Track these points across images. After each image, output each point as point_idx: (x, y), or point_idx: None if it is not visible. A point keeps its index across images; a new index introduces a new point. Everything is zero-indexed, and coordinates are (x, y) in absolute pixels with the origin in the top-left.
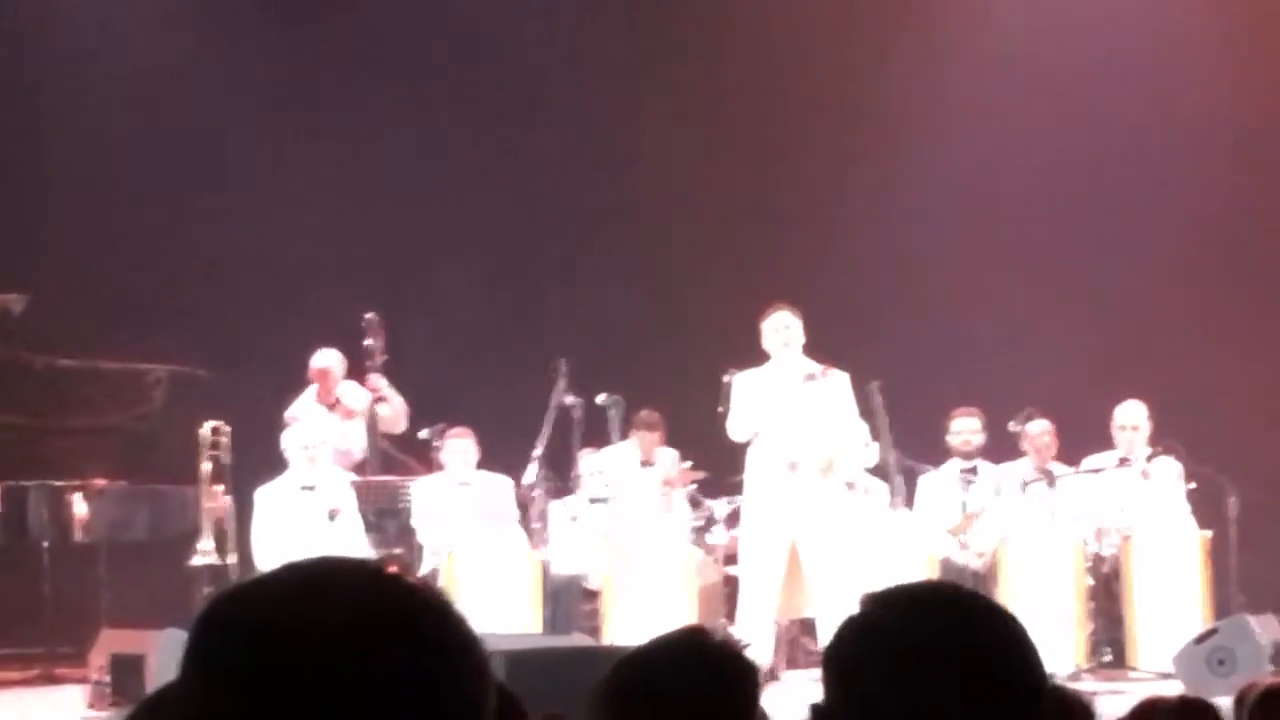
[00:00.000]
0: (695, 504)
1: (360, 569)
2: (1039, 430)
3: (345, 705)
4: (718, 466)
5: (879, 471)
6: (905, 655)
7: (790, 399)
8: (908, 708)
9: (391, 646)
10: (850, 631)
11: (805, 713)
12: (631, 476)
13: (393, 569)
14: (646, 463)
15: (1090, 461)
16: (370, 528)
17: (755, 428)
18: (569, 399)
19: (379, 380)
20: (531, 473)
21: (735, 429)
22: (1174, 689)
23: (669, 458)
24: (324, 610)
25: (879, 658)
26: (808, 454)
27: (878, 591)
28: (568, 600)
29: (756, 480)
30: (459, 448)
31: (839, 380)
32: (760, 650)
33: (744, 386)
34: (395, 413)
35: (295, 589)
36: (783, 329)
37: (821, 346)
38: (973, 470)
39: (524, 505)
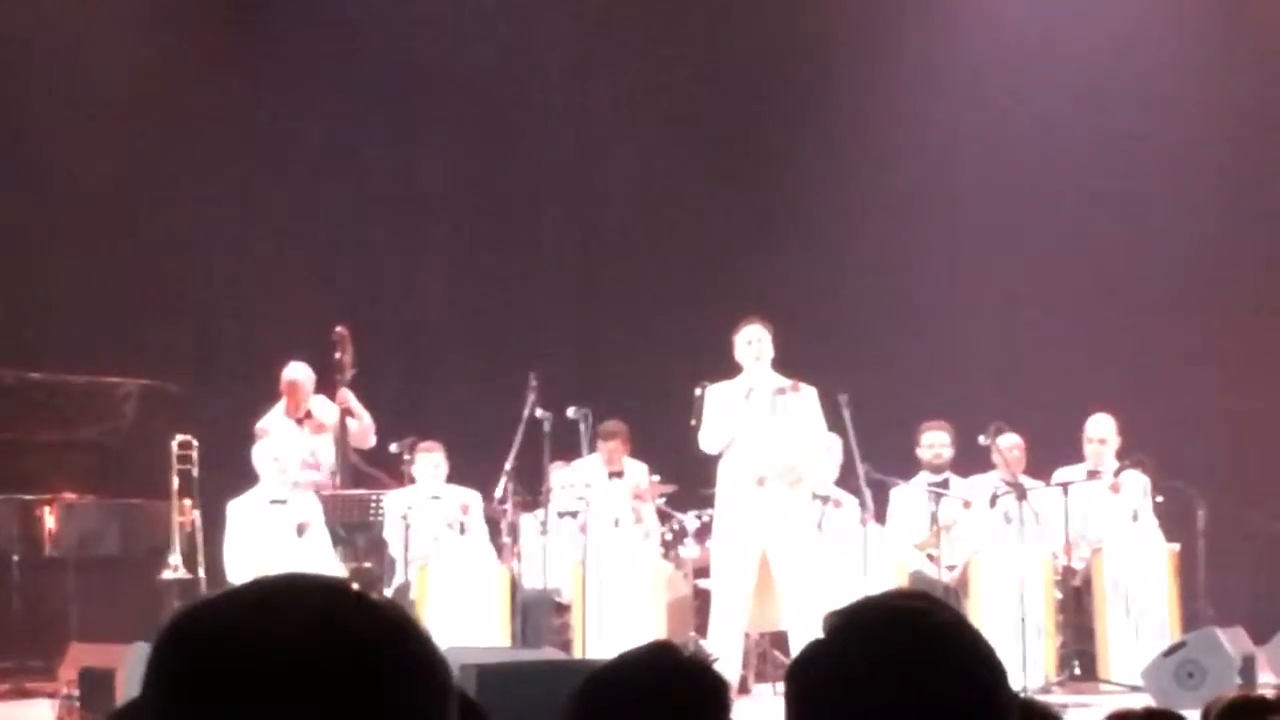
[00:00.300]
0: (665, 517)
1: (323, 586)
2: (1008, 444)
3: None
4: (688, 479)
5: (848, 485)
6: (867, 679)
7: (760, 412)
8: None
9: (350, 665)
10: (813, 653)
11: None
12: (600, 489)
13: (356, 586)
14: (615, 474)
15: (1060, 475)
16: (340, 541)
17: (726, 440)
18: (539, 412)
19: (347, 395)
20: (502, 486)
21: (707, 441)
22: (1143, 702)
23: (638, 471)
24: (284, 628)
25: (841, 680)
26: (776, 468)
27: (840, 610)
28: (538, 614)
29: (727, 493)
30: (429, 461)
31: (807, 394)
32: (730, 663)
33: (715, 399)
34: (363, 428)
35: (257, 606)
36: (755, 342)
37: (790, 360)
38: (943, 483)
39: (494, 519)
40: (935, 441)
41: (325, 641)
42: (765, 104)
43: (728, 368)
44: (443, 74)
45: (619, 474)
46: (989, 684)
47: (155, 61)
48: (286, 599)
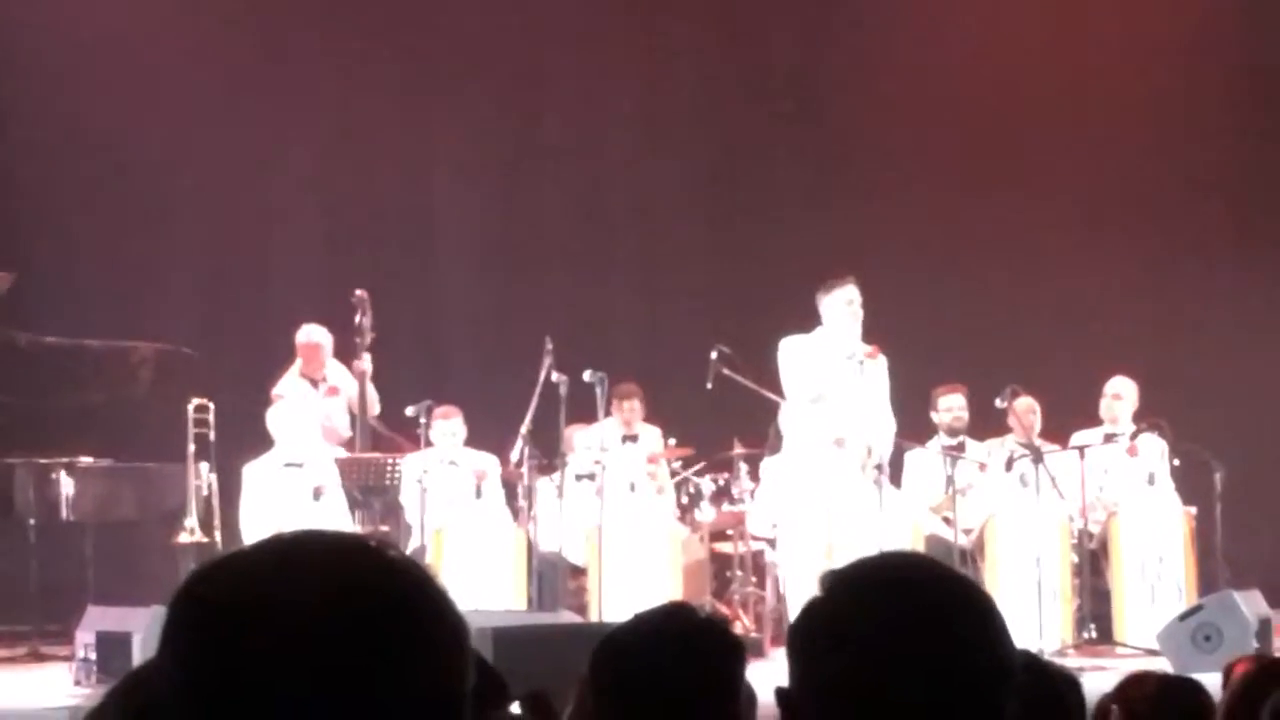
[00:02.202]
0: (680, 481)
1: (338, 543)
2: (1024, 407)
3: (320, 682)
4: (703, 444)
5: None
6: (865, 638)
7: (850, 374)
8: (870, 691)
9: (367, 622)
10: (811, 613)
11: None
12: (615, 452)
13: (372, 543)
14: (629, 438)
15: (1076, 438)
16: (356, 505)
17: (817, 395)
18: (555, 376)
19: (366, 362)
20: (518, 450)
21: (802, 392)
22: (1159, 665)
23: (653, 435)
24: (300, 586)
25: (840, 640)
26: (855, 433)
27: (839, 570)
28: (554, 577)
29: (807, 453)
30: (447, 428)
31: (882, 363)
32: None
33: (802, 351)
34: (372, 399)
35: (272, 564)
36: (854, 301)
37: (806, 323)
38: (959, 447)
39: (510, 483)
40: (952, 405)
41: (340, 599)
42: (774, 64)
43: (742, 331)
44: (457, 36)
45: (633, 438)
46: (987, 641)
47: (172, 18)
48: (301, 557)
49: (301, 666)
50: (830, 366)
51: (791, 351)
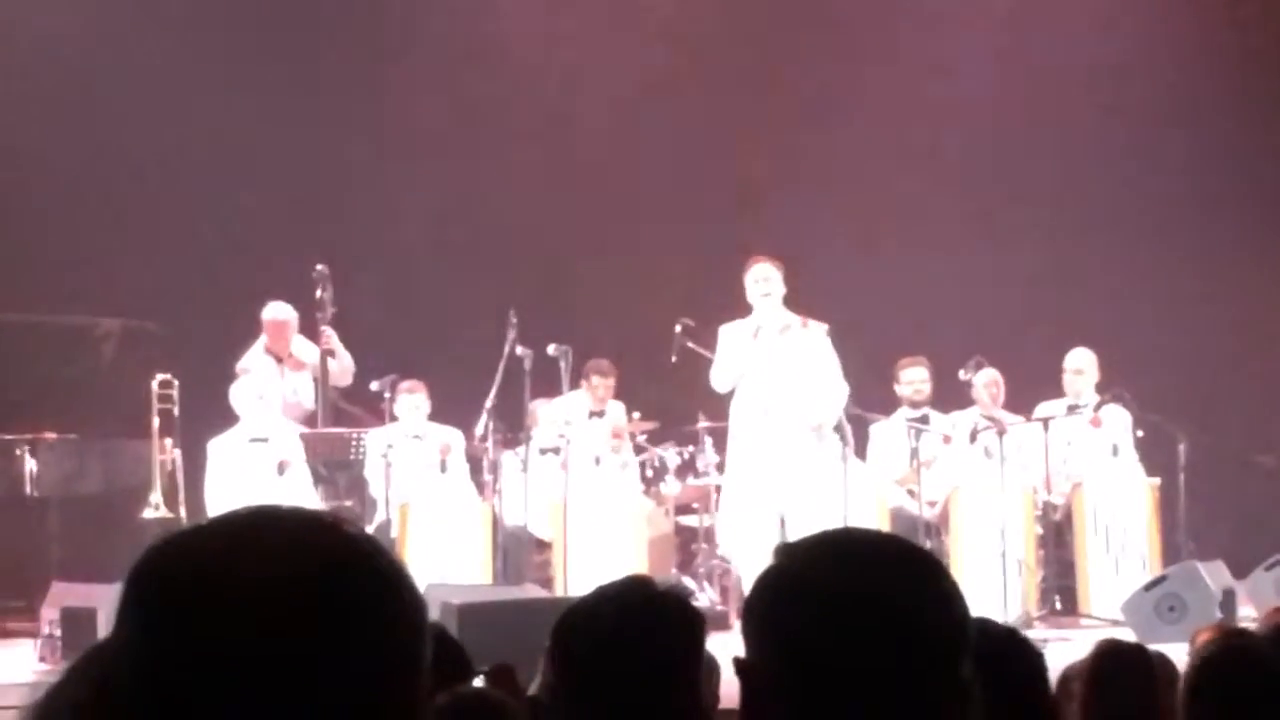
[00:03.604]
0: (644, 454)
1: (294, 518)
2: (987, 379)
3: (275, 657)
4: (668, 416)
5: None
6: (819, 605)
7: (768, 350)
8: (826, 656)
9: (322, 597)
10: (766, 583)
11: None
12: (581, 427)
13: (329, 518)
14: (596, 413)
15: (1040, 410)
16: (320, 480)
17: (735, 378)
18: (519, 350)
19: (330, 334)
20: (482, 424)
21: (718, 379)
22: (1124, 636)
23: (617, 410)
24: (255, 561)
25: (794, 609)
26: (782, 402)
27: (794, 541)
28: (519, 551)
29: (739, 429)
30: (411, 402)
31: (816, 331)
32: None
33: (727, 338)
34: (343, 367)
35: (228, 539)
36: (763, 280)
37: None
38: (922, 419)
39: (475, 457)
40: (914, 378)
41: (295, 575)
42: (751, 40)
43: (706, 304)
44: (418, 9)
45: (600, 414)
46: (944, 607)
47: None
48: (257, 532)
49: (256, 641)
50: (754, 346)
51: (721, 338)
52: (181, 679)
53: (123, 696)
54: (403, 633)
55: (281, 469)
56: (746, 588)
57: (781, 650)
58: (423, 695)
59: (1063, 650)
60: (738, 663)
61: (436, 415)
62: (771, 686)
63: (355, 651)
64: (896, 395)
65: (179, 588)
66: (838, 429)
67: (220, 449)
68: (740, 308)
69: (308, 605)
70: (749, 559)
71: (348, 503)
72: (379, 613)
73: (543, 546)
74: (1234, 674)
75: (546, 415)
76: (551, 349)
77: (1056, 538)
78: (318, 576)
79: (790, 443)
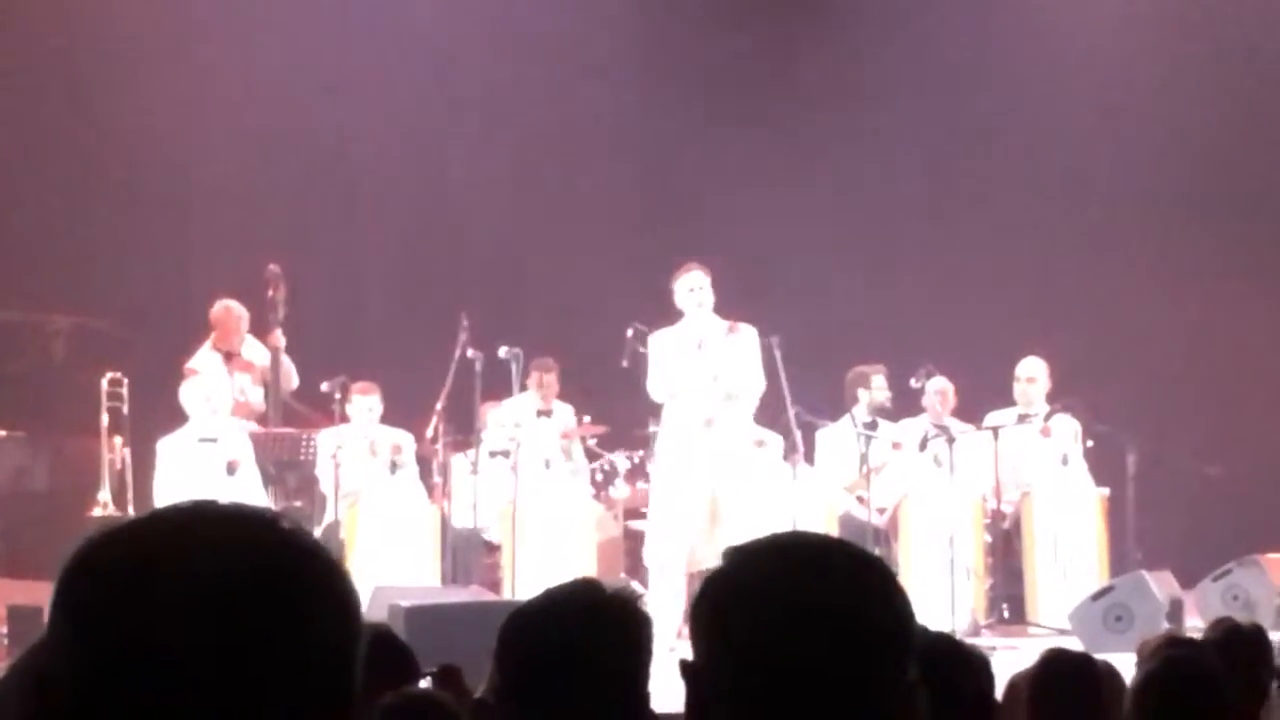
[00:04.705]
0: (595, 458)
1: (230, 514)
2: (937, 387)
3: (207, 652)
4: (618, 421)
5: (777, 426)
6: (766, 608)
7: (704, 357)
8: (770, 661)
9: (255, 592)
10: (713, 585)
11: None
12: (530, 428)
13: (267, 514)
14: (543, 413)
15: (990, 418)
16: (271, 480)
17: (674, 386)
18: (470, 352)
19: (279, 338)
20: (433, 426)
21: (655, 388)
22: (1071, 645)
23: (565, 413)
24: (189, 555)
25: (740, 612)
26: (722, 411)
27: (740, 544)
28: (467, 553)
29: (672, 436)
30: (364, 403)
31: (746, 334)
32: (674, 603)
33: (660, 346)
34: (287, 371)
35: (162, 534)
36: (697, 289)
37: (720, 302)
38: (871, 425)
39: (425, 459)
40: (884, 383)
41: (229, 570)
42: (706, 42)
43: (658, 309)
44: (379, 8)
45: (548, 413)
46: (889, 608)
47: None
48: (192, 527)
49: (188, 637)
50: (690, 352)
51: (653, 348)
52: (114, 675)
53: (57, 693)
54: (337, 629)
55: (231, 469)
56: (655, 602)
57: (727, 652)
58: (357, 692)
59: (1010, 659)
60: (684, 665)
61: (387, 417)
62: (718, 689)
63: (289, 647)
64: (847, 402)
65: (112, 583)
66: (785, 434)
67: (169, 448)
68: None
69: (241, 601)
70: (676, 570)
71: (297, 503)
72: (314, 609)
73: (491, 549)
74: (1180, 684)
75: (494, 418)
76: (502, 352)
77: (1005, 546)
78: (251, 572)
79: (733, 453)
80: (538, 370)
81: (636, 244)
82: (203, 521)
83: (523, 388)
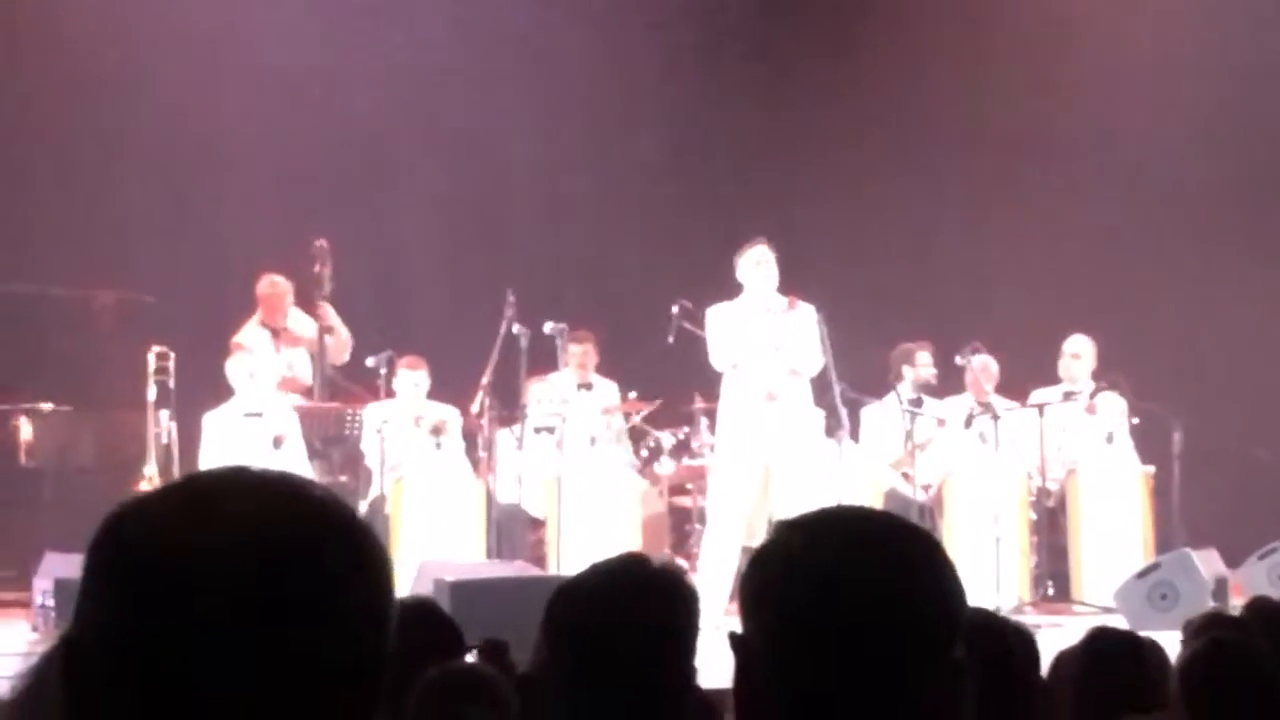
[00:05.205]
0: (641, 434)
1: (261, 481)
2: (979, 364)
3: (234, 620)
4: (663, 397)
5: (823, 402)
6: (813, 584)
7: (768, 329)
8: (816, 637)
9: (286, 561)
10: (761, 558)
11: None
12: (574, 403)
13: (299, 482)
14: (584, 385)
15: (1035, 396)
16: (316, 455)
17: (736, 356)
18: (516, 328)
19: (327, 309)
20: (479, 401)
21: (718, 357)
22: (1116, 623)
23: (609, 388)
24: (217, 524)
25: (788, 587)
26: (785, 385)
27: (790, 519)
28: (512, 529)
29: (733, 410)
30: (412, 379)
31: (805, 312)
32: (724, 580)
33: (720, 316)
34: (340, 343)
35: (192, 502)
36: (764, 263)
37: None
38: (917, 402)
39: (471, 434)
40: (929, 360)
41: (256, 537)
42: (750, 16)
43: (705, 286)
44: None
45: (588, 386)
46: (939, 585)
47: None
48: (222, 495)
49: (216, 603)
50: (751, 326)
51: (713, 319)
52: (140, 642)
53: (87, 659)
54: (368, 597)
55: (277, 443)
56: (706, 574)
57: (774, 626)
58: (389, 660)
59: (1055, 636)
60: (732, 637)
61: (433, 392)
62: (765, 662)
63: (316, 614)
64: (892, 379)
65: (138, 551)
66: (831, 411)
67: (215, 423)
68: (736, 286)
69: (268, 569)
70: (730, 546)
71: (343, 478)
72: (343, 576)
73: (536, 524)
74: (1226, 665)
75: (536, 394)
76: (548, 327)
77: (1050, 524)
78: (280, 538)
79: (793, 428)
80: (571, 342)
81: (683, 221)
82: (232, 488)
83: (567, 364)
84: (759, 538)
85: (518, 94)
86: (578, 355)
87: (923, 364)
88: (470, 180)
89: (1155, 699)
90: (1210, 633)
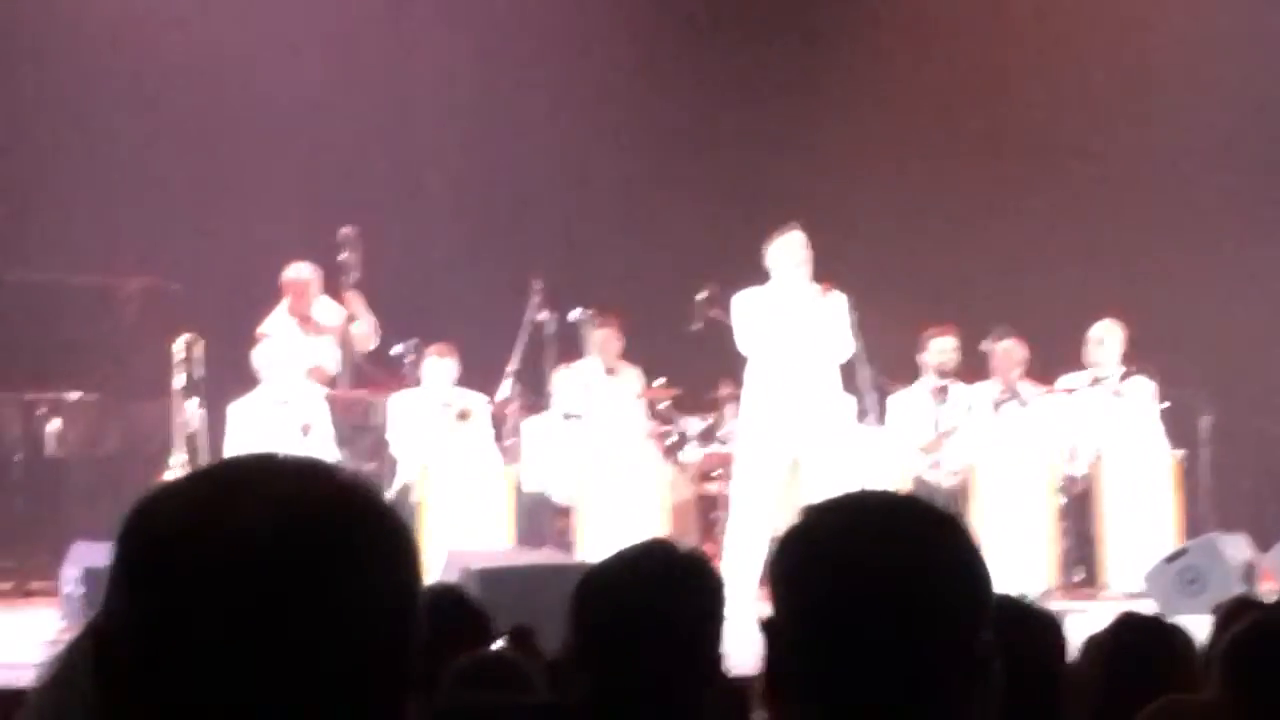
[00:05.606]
0: (668, 421)
1: (288, 467)
2: (1005, 350)
3: (260, 607)
4: (690, 384)
5: (851, 388)
6: (841, 569)
7: (799, 316)
8: (844, 622)
9: (308, 547)
10: (789, 543)
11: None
12: (601, 390)
13: (326, 467)
14: (610, 370)
15: (1064, 381)
16: (343, 442)
17: (765, 342)
18: (542, 315)
19: (355, 297)
20: (506, 389)
21: (745, 342)
22: (1145, 608)
23: (632, 375)
24: (243, 510)
25: (816, 572)
26: (813, 371)
27: (817, 502)
28: (539, 516)
29: (760, 395)
30: (441, 366)
31: (836, 300)
32: (751, 566)
33: (748, 302)
34: (367, 331)
35: (218, 488)
36: (797, 249)
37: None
38: (944, 389)
39: (498, 421)
40: (945, 346)
41: (282, 523)
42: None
43: (731, 272)
44: None
45: (612, 371)
46: (967, 570)
47: None
48: (248, 481)
49: (241, 590)
50: (781, 313)
51: (739, 305)
52: (166, 629)
53: (115, 647)
54: (395, 582)
55: (305, 431)
56: (733, 560)
57: (802, 611)
58: (416, 646)
59: (1083, 622)
60: (762, 622)
61: (459, 380)
62: (793, 646)
63: (342, 600)
64: (919, 364)
65: (164, 537)
66: (861, 397)
67: (241, 411)
68: (763, 273)
69: (294, 554)
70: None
71: (370, 465)
72: (370, 561)
73: (563, 511)
74: (1268, 647)
75: (564, 381)
76: (574, 315)
77: (1078, 509)
78: (306, 524)
79: (820, 414)
80: (594, 328)
81: (710, 207)
82: (260, 475)
83: (591, 351)
84: (785, 524)
85: (544, 81)
86: (599, 341)
87: (938, 349)
88: (496, 167)
89: (1184, 684)
90: (1250, 614)
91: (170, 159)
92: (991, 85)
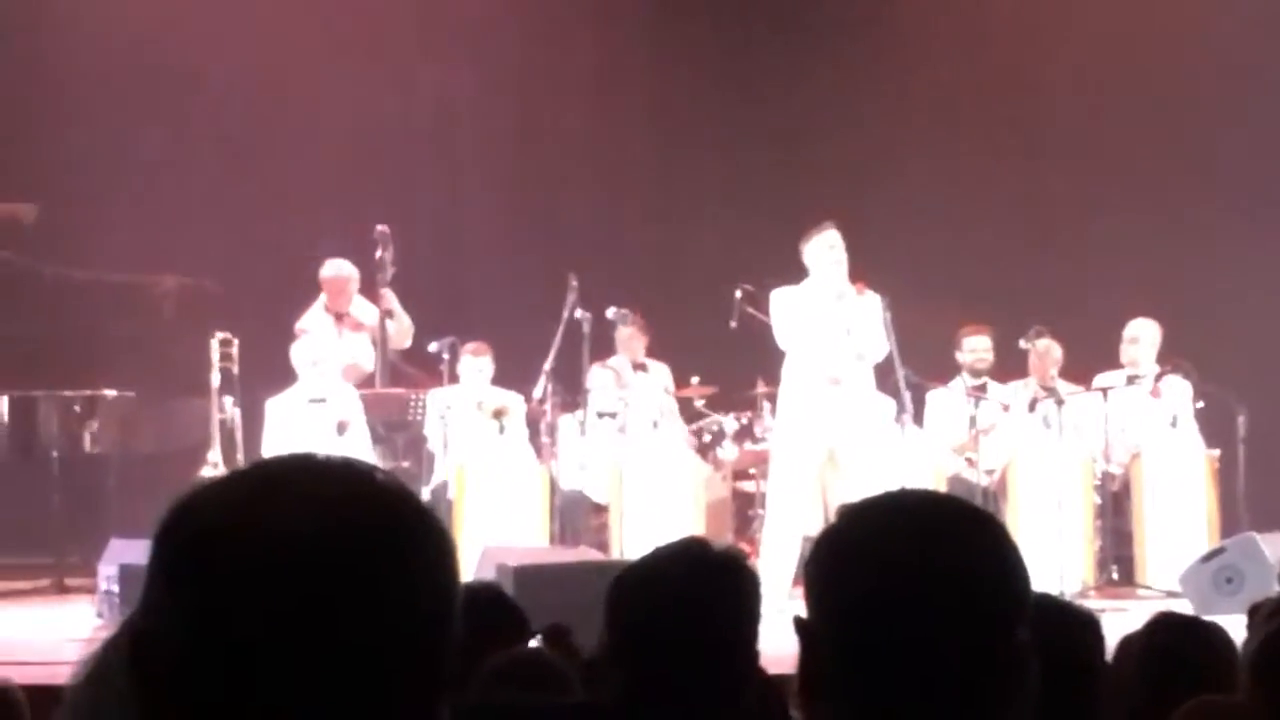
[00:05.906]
0: (702, 419)
1: (326, 468)
2: (1042, 348)
3: (298, 608)
4: (726, 382)
5: (886, 387)
6: (877, 570)
7: (838, 313)
8: (880, 623)
9: (347, 548)
10: (826, 543)
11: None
12: (635, 387)
13: (367, 469)
14: (638, 365)
15: (1100, 380)
16: (379, 440)
17: (805, 338)
18: (578, 313)
19: (389, 295)
20: (541, 387)
21: (785, 338)
22: (1181, 607)
23: (661, 371)
24: (282, 511)
25: (852, 572)
26: (851, 369)
27: (854, 503)
28: (575, 514)
29: (798, 392)
30: (476, 364)
31: (871, 299)
32: (786, 564)
33: (786, 298)
34: (402, 329)
35: (256, 489)
36: (836, 246)
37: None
38: (981, 388)
39: (534, 420)
40: (977, 346)
41: (321, 524)
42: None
43: (767, 270)
44: None
45: (642, 367)
46: (1004, 570)
47: None
48: (286, 481)
49: (280, 592)
50: (818, 311)
51: (778, 302)
52: (204, 629)
53: (154, 648)
54: (434, 583)
55: (341, 429)
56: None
57: (838, 611)
58: (455, 647)
59: (1119, 621)
60: (798, 621)
61: (495, 378)
62: (829, 647)
63: (381, 602)
64: (955, 363)
65: (203, 538)
66: (897, 396)
67: (278, 409)
68: (799, 271)
69: (333, 556)
70: (791, 531)
71: (405, 463)
72: (408, 562)
73: (599, 509)
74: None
75: (599, 378)
76: (610, 312)
77: (1115, 508)
78: (344, 525)
79: (857, 413)
80: (617, 327)
81: (747, 205)
82: (298, 474)
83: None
84: (821, 523)
85: (581, 80)
86: (624, 338)
87: (971, 349)
88: (532, 164)
89: (1220, 683)
90: None
91: (207, 157)
92: (1031, 85)
